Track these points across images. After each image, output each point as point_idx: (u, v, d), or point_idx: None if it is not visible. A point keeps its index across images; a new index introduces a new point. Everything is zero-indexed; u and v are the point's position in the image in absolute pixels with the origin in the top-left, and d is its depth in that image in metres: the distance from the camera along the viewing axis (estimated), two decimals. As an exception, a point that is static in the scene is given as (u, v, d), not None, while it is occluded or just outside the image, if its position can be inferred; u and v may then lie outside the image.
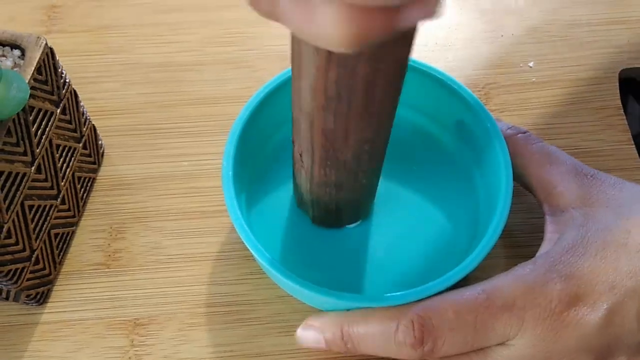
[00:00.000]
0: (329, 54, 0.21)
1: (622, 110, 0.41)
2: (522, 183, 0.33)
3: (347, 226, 0.35)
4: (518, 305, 0.25)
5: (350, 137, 0.26)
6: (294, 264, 0.34)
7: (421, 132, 0.37)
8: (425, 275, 0.33)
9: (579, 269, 0.25)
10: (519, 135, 0.32)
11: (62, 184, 0.35)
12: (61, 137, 0.34)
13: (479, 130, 0.33)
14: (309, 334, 0.30)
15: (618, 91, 0.42)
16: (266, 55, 0.44)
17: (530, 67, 0.43)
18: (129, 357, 0.33)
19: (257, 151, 0.36)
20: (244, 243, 0.30)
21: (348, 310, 0.29)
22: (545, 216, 0.30)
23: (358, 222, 0.35)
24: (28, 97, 0.29)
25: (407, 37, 0.22)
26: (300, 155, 0.29)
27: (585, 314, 0.24)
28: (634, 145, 0.39)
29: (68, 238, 0.36)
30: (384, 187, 0.35)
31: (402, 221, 0.35)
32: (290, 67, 0.35)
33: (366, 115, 0.25)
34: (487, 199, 0.33)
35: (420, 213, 0.35)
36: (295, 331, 0.32)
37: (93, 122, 0.39)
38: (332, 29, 0.16)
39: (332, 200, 0.32)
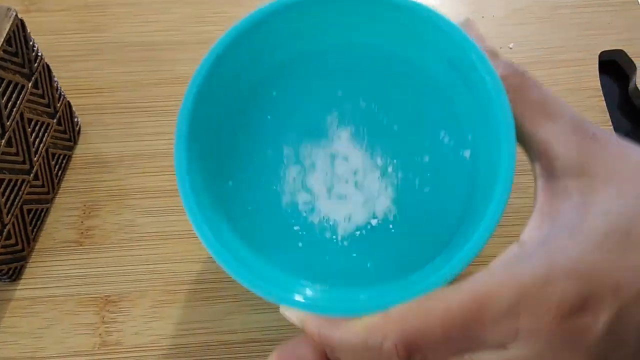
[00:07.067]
0: None
1: (602, 92, 0.41)
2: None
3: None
4: (513, 312, 0.21)
5: None
6: (261, 250, 0.31)
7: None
8: (410, 260, 0.30)
9: (580, 264, 0.22)
10: (513, 80, 0.26)
11: (35, 159, 0.35)
12: (33, 111, 0.34)
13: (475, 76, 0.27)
14: (290, 315, 0.26)
15: (598, 73, 0.41)
16: (246, 35, 0.44)
17: (510, 48, 0.42)
18: (99, 334, 0.33)
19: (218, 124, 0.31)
20: None
21: None
22: (536, 180, 0.25)
23: None
24: (-5, 67, 0.29)
25: None
26: None
27: (586, 324, 0.21)
28: (611, 127, 0.39)
29: (42, 215, 0.36)
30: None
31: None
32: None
33: None
34: (485, 175, 0.28)
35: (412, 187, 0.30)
36: (267, 309, 0.32)
37: (70, 100, 0.38)
38: None
39: None
